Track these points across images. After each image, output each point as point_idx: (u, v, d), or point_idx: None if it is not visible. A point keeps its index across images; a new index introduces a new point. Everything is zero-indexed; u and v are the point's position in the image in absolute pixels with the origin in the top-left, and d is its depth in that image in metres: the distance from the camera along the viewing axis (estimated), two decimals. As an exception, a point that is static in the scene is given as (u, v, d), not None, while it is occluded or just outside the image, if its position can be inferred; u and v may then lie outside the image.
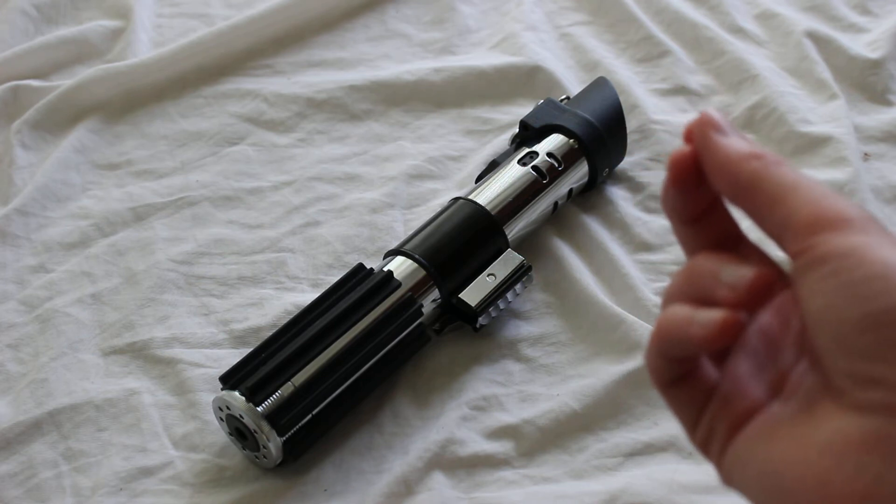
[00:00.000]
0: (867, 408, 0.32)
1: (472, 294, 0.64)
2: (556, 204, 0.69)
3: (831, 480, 0.32)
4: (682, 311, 0.36)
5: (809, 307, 0.34)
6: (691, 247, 0.38)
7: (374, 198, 0.74)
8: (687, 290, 0.36)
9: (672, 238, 0.69)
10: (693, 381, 0.37)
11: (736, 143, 0.36)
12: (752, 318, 0.36)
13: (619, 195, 0.73)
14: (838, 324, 0.33)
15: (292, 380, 0.57)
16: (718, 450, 0.37)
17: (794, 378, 0.36)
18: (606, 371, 0.62)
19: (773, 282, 0.35)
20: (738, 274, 0.35)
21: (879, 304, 0.32)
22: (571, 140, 0.70)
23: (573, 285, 0.67)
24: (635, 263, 0.68)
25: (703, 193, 0.37)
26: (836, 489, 0.32)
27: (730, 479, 0.36)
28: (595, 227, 0.70)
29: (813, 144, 0.74)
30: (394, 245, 0.66)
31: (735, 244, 0.38)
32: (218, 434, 0.61)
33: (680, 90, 0.80)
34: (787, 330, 0.37)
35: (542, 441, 0.60)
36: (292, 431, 0.57)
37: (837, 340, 0.33)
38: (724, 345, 0.35)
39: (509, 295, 0.64)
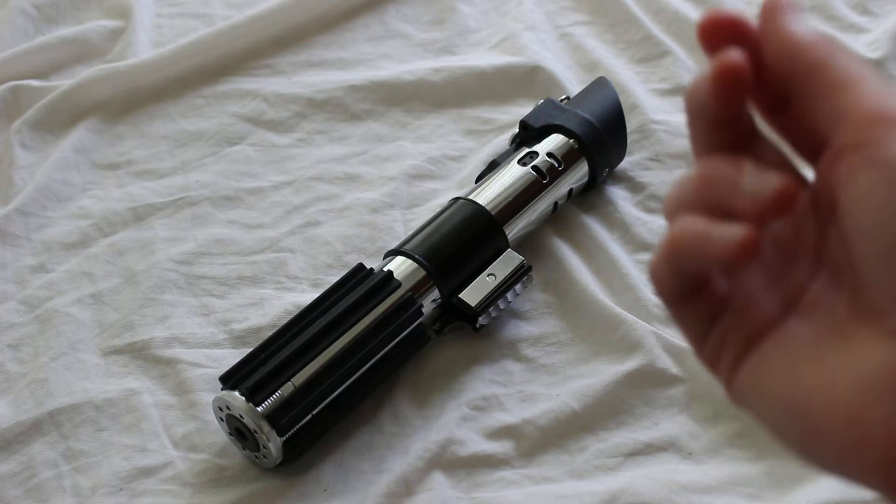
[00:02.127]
0: None
1: (472, 294, 0.64)
2: (556, 204, 0.69)
3: (865, 419, 0.30)
4: (697, 223, 0.33)
5: (857, 214, 0.30)
6: (705, 146, 0.35)
7: (374, 198, 0.73)
8: (701, 199, 0.33)
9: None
10: (702, 294, 0.35)
11: (806, 25, 0.33)
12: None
13: (619, 195, 0.73)
14: (891, 238, 0.29)
15: (292, 380, 0.57)
16: (729, 367, 0.34)
17: (811, 294, 0.33)
18: (606, 371, 0.62)
19: (797, 192, 0.31)
20: (762, 183, 0.32)
21: None
22: (571, 140, 0.70)
23: (573, 285, 0.67)
24: (635, 263, 0.68)
25: (743, 103, 0.34)
26: (871, 429, 0.29)
27: (741, 398, 0.34)
28: (595, 227, 0.70)
29: (813, 144, 0.74)
30: (394, 245, 0.66)
31: (751, 141, 0.35)
32: (218, 434, 0.61)
33: (680, 90, 0.80)
34: (803, 237, 0.34)
35: (542, 441, 0.60)
36: (292, 431, 0.57)
37: (887, 257, 0.30)
38: (744, 264, 0.32)
39: (509, 295, 0.64)
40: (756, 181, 0.32)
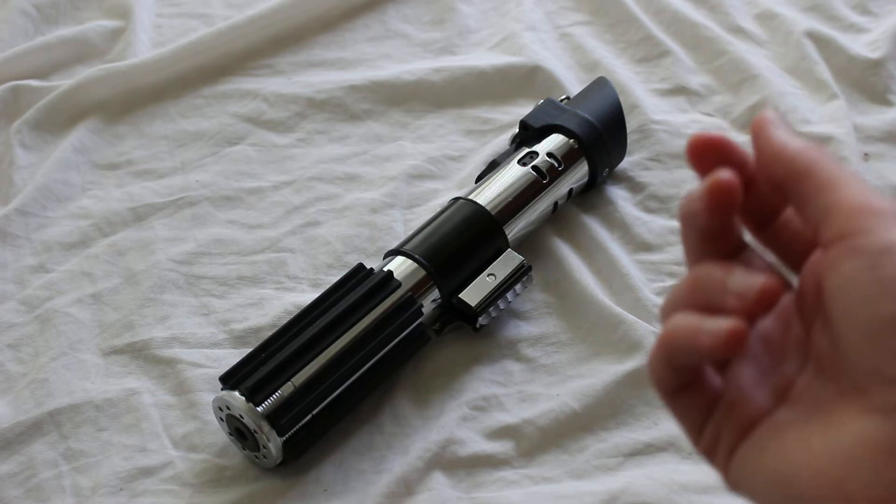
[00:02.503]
0: (891, 409, 0.32)
1: (472, 294, 0.64)
2: (556, 204, 0.69)
3: (848, 487, 0.32)
4: (688, 319, 0.35)
5: (841, 298, 0.33)
6: (697, 254, 0.38)
7: (374, 198, 0.73)
8: (692, 299, 0.36)
9: (672, 238, 0.70)
10: (697, 388, 0.37)
11: (794, 136, 0.36)
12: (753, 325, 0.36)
13: (619, 195, 0.73)
14: (871, 318, 0.32)
15: (292, 380, 0.57)
16: (724, 456, 0.36)
17: (799, 385, 0.36)
18: (606, 371, 0.62)
19: (780, 290, 0.34)
20: (747, 283, 0.34)
21: None
22: (571, 140, 0.70)
23: (573, 285, 0.67)
24: (635, 263, 0.68)
25: (733, 216, 0.37)
26: (854, 495, 0.32)
27: (737, 485, 0.36)
28: (595, 227, 0.70)
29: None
30: (394, 245, 0.66)
31: (740, 251, 0.38)
32: (218, 434, 0.61)
33: (680, 90, 0.80)
34: (789, 335, 0.37)
35: (542, 441, 0.60)
36: (292, 431, 0.57)
37: (868, 336, 0.32)
38: (732, 353, 0.34)
39: (509, 295, 0.64)
40: (742, 280, 0.35)
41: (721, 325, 0.34)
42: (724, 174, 0.35)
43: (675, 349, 0.36)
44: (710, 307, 0.35)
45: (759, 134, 0.36)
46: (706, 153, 0.37)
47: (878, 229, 0.33)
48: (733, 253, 0.38)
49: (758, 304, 0.34)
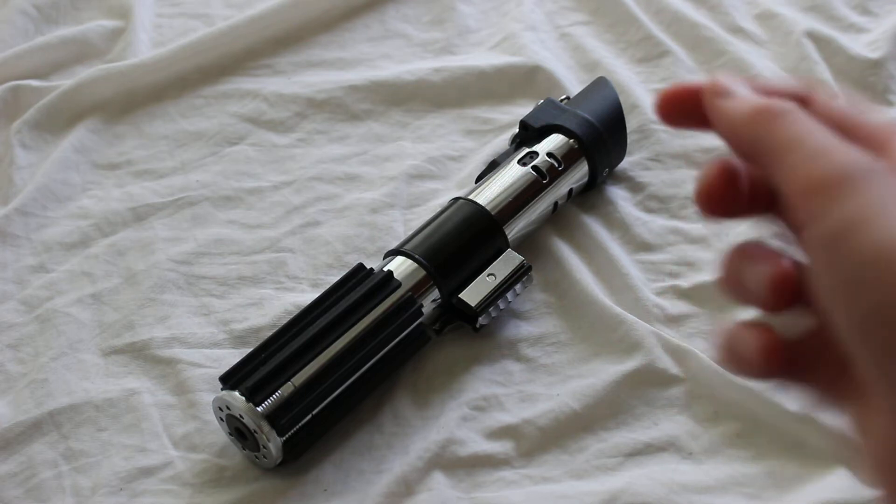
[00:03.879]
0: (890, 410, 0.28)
1: (472, 294, 0.64)
2: (556, 204, 0.69)
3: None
4: (725, 339, 0.33)
5: (819, 295, 0.30)
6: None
7: (374, 198, 0.74)
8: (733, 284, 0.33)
9: (672, 238, 0.70)
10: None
11: (738, 104, 0.32)
12: None
13: (619, 195, 0.73)
14: (850, 316, 0.28)
15: (292, 380, 0.57)
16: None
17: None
18: (606, 371, 0.62)
19: (792, 273, 0.31)
20: (757, 277, 0.31)
21: (872, 299, 0.27)
22: (571, 140, 0.70)
23: (573, 285, 0.67)
24: (635, 263, 0.68)
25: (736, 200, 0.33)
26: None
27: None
28: (595, 227, 0.70)
29: (813, 144, 0.74)
30: (394, 245, 0.66)
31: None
32: (218, 434, 0.61)
33: (680, 90, 0.80)
34: None
35: (542, 441, 0.60)
36: (292, 431, 0.57)
37: (855, 332, 0.29)
38: (776, 365, 0.31)
39: (509, 295, 0.64)
40: (753, 276, 0.32)
41: (752, 348, 0.31)
42: (711, 172, 0.33)
43: (734, 367, 0.33)
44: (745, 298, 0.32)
45: (707, 108, 0.33)
46: (674, 107, 0.34)
47: (828, 209, 0.28)
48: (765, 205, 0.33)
49: (774, 300, 0.31)
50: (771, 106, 0.31)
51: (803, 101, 0.32)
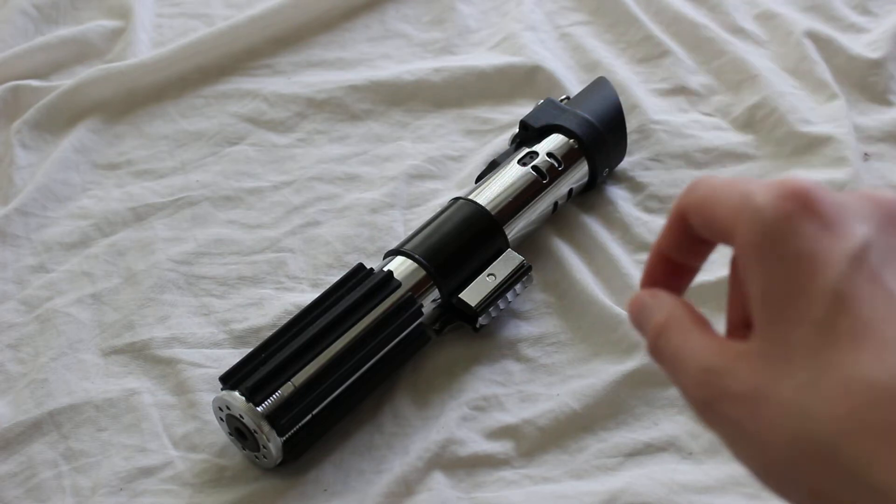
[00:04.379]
0: None
1: (472, 294, 0.64)
2: (556, 204, 0.69)
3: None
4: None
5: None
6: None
7: (374, 198, 0.74)
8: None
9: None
10: None
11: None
12: None
13: (619, 195, 0.73)
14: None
15: (292, 380, 0.57)
16: None
17: None
18: (606, 371, 0.62)
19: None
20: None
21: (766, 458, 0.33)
22: (571, 140, 0.70)
23: (573, 285, 0.67)
24: (635, 263, 0.68)
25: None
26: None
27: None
28: (595, 227, 0.70)
29: (813, 144, 0.74)
30: (394, 245, 0.66)
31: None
32: (218, 434, 0.61)
33: (680, 90, 0.80)
34: None
35: (542, 441, 0.60)
36: (292, 431, 0.57)
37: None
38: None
39: (509, 295, 0.64)
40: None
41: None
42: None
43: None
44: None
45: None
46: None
47: (726, 390, 0.35)
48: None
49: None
50: (654, 327, 0.39)
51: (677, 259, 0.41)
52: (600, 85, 0.74)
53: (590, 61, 0.83)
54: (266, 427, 0.56)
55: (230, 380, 0.58)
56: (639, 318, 0.40)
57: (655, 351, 0.38)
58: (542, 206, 0.68)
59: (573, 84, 0.80)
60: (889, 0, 0.85)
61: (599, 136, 0.70)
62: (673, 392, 0.61)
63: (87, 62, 0.86)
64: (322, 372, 0.58)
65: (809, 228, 0.33)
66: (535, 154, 0.69)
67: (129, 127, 0.81)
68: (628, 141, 0.73)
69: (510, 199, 0.67)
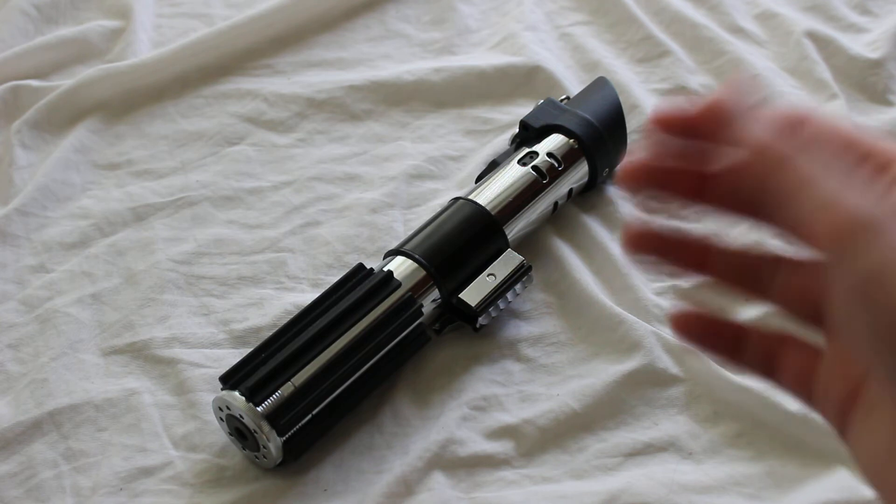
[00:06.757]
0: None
1: (472, 294, 0.64)
2: (556, 204, 0.69)
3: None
4: None
5: (839, 322, 0.32)
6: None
7: (374, 198, 0.74)
8: None
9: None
10: None
11: (757, 126, 0.33)
12: None
13: (619, 195, 0.73)
14: (867, 347, 0.31)
15: (292, 380, 0.57)
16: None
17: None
18: (606, 371, 0.62)
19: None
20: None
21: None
22: (571, 140, 0.70)
23: (573, 285, 0.67)
24: (635, 263, 0.68)
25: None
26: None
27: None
28: (595, 227, 0.70)
29: (813, 144, 0.74)
30: (394, 245, 0.66)
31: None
32: (218, 434, 0.61)
33: (680, 90, 0.80)
34: None
35: (542, 441, 0.60)
36: (292, 431, 0.57)
37: (870, 359, 0.31)
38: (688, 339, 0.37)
39: (509, 295, 0.64)
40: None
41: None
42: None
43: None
44: None
45: (722, 125, 0.34)
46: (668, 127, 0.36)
47: (851, 260, 0.30)
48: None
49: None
50: (774, 149, 0.32)
51: (801, 122, 0.33)
52: (600, 85, 0.74)
53: (590, 61, 0.83)
54: (266, 427, 0.56)
55: (230, 380, 0.58)
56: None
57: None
58: (542, 206, 0.68)
59: (573, 84, 0.80)
60: (889, 0, 0.85)
61: (599, 136, 0.70)
62: (673, 392, 0.61)
63: (87, 62, 0.86)
64: (322, 372, 0.58)
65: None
66: (535, 154, 0.69)
67: (129, 127, 0.81)
68: (628, 141, 0.73)
69: (510, 199, 0.67)
